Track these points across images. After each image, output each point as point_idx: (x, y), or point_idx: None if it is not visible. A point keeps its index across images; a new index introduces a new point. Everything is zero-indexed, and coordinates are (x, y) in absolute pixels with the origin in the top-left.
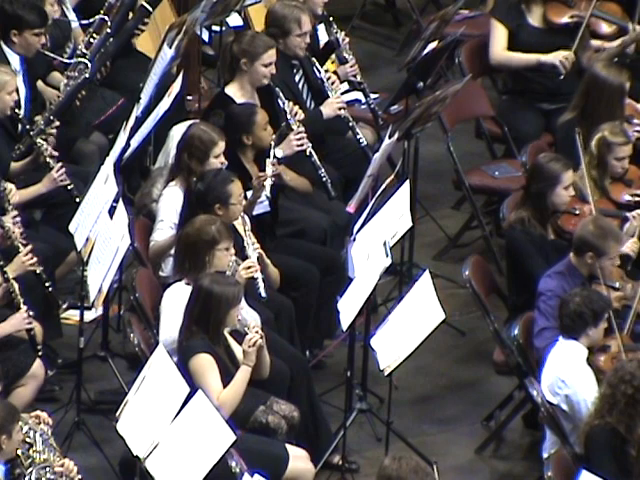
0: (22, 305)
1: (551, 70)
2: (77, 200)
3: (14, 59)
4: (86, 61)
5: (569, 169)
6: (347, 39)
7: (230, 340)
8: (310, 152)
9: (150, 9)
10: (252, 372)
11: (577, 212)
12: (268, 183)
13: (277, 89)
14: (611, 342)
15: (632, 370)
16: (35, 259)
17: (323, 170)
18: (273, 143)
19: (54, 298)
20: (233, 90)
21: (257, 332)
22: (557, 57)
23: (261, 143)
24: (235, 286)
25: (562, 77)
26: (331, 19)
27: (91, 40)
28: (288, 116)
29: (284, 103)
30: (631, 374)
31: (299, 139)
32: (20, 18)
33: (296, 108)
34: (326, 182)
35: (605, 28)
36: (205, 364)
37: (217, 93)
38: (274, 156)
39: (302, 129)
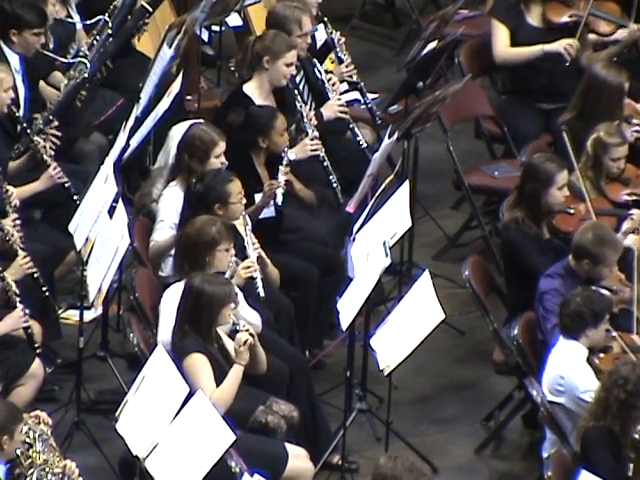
0: (18, 304)
1: (549, 66)
2: (75, 198)
3: (13, 59)
4: (85, 61)
5: (564, 169)
6: (342, 39)
7: (224, 338)
8: (323, 157)
9: (149, 9)
10: (248, 368)
11: (572, 212)
12: (280, 191)
13: (295, 91)
14: (612, 343)
15: (626, 374)
16: (32, 263)
17: (334, 176)
18: (287, 150)
19: (51, 302)
20: (251, 89)
21: (247, 330)
22: (561, 44)
23: (275, 148)
24: (226, 285)
25: (567, 64)
26: (325, 19)
27: (94, 42)
28: (305, 120)
29: (301, 106)
30: (624, 378)
31: (314, 144)
32: (19, 17)
33: (312, 113)
34: (336, 188)
35: (604, 27)
36: (198, 364)
37: (234, 90)
38: (287, 163)
39: (317, 134)
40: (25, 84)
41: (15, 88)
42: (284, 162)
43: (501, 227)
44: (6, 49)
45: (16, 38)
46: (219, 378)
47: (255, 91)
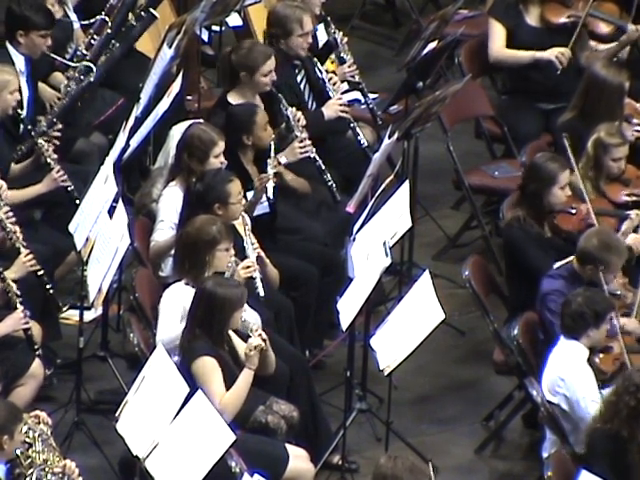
0: (18, 305)
1: (547, 66)
2: (77, 202)
3: (19, 60)
4: (91, 64)
5: (566, 169)
6: (345, 39)
7: (234, 338)
8: (314, 157)
9: (156, 15)
10: (257, 369)
11: (573, 211)
12: (270, 185)
13: (280, 95)
14: (613, 343)
15: (638, 381)
16: (35, 261)
17: (328, 175)
18: (273, 144)
19: (55, 300)
20: (234, 98)
21: (260, 336)
22: (553, 53)
23: (261, 143)
24: (238, 288)
25: (558, 72)
26: (329, 19)
27: (92, 41)
28: (291, 122)
29: (287, 109)
30: (636, 386)
31: (303, 146)
32: (27, 19)
33: (299, 114)
34: (331, 186)
35: (603, 28)
36: (208, 367)
37: (218, 100)
38: (275, 157)
39: (306, 135)
40: (29, 85)
41: (19, 89)
42: (271, 155)
43: (503, 226)
44: (12, 50)
45: (23, 39)
46: (229, 381)
47: (239, 100)
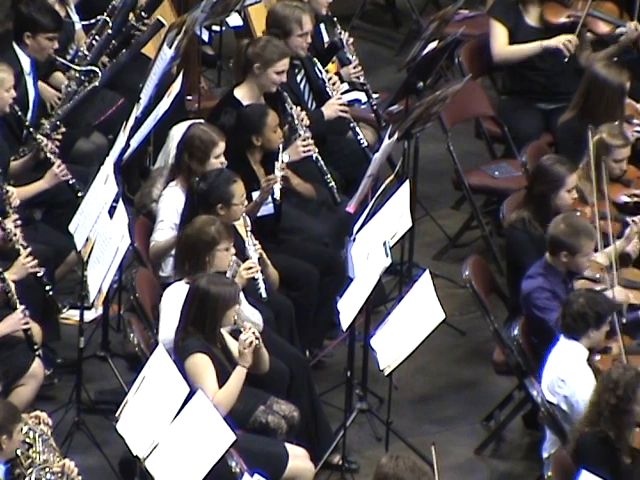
0: (18, 305)
1: (555, 57)
2: (79, 195)
3: (25, 61)
4: (96, 69)
5: (573, 172)
6: (351, 40)
7: (227, 338)
8: (316, 157)
9: (164, 22)
10: (251, 368)
11: (578, 214)
12: (277, 186)
13: (285, 94)
14: (612, 344)
15: (616, 378)
16: (36, 262)
17: (329, 175)
18: (281, 146)
19: (54, 302)
20: (241, 93)
21: (252, 332)
22: (560, 40)
23: (270, 145)
24: (232, 286)
25: (566, 60)
26: (335, 19)
27: (93, 42)
28: (295, 121)
29: (291, 108)
30: (615, 382)
31: (306, 145)
32: (35, 21)
33: (303, 114)
34: (332, 188)
35: (603, 28)
36: (201, 364)
37: (225, 94)
38: (282, 160)
39: (309, 135)
40: (35, 87)
41: (26, 91)
42: (279, 158)
43: (507, 226)
44: (19, 51)
45: (30, 41)
46: (222, 379)
47: (245, 95)
